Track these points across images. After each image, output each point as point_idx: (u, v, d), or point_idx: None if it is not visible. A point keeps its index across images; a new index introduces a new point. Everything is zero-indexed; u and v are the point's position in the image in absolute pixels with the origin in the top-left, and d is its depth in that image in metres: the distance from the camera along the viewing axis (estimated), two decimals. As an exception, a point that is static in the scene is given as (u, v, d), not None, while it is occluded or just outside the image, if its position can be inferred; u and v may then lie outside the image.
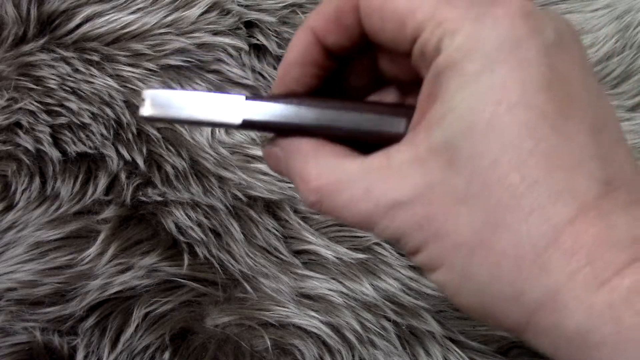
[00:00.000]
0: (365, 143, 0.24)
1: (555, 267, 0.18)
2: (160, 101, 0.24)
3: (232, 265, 0.42)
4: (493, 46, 0.19)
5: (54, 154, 0.42)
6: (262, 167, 0.44)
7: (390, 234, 0.21)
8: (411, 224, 0.20)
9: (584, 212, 0.18)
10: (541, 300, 0.18)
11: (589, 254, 0.18)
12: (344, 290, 0.43)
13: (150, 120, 0.25)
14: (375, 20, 0.22)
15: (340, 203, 0.22)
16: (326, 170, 0.22)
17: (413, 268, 0.43)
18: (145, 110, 0.24)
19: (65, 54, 0.42)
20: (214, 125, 0.25)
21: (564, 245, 0.18)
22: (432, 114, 0.20)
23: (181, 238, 0.42)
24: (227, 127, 0.25)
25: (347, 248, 0.43)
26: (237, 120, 0.24)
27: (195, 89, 0.44)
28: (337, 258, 0.42)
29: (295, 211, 0.44)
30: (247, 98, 0.24)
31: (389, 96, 0.27)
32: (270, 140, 0.26)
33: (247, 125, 0.24)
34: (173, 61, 0.43)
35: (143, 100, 0.24)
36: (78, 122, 0.42)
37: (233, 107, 0.24)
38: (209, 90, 0.44)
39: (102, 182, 0.42)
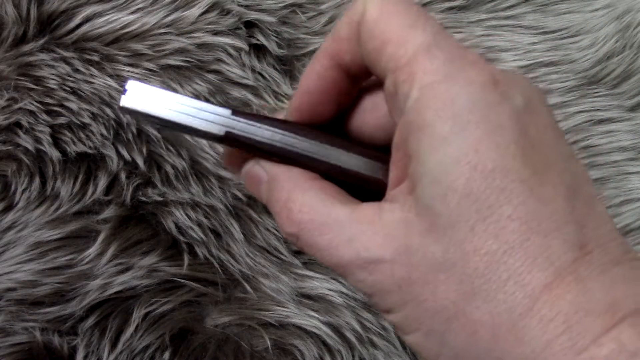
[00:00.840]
0: (341, 181, 0.24)
1: (532, 335, 0.18)
2: (144, 95, 0.23)
3: (232, 265, 0.42)
4: (464, 107, 0.19)
5: (54, 154, 0.42)
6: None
7: (367, 287, 0.21)
8: (390, 282, 0.20)
9: (560, 277, 0.18)
10: None
11: (566, 321, 0.17)
12: (344, 290, 0.43)
13: (128, 112, 0.24)
14: (365, 33, 0.21)
15: (319, 244, 0.21)
16: (312, 207, 0.22)
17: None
18: (126, 101, 0.23)
19: (65, 54, 0.42)
20: (194, 132, 0.24)
21: (541, 312, 0.18)
22: (412, 174, 0.20)
23: (181, 238, 0.42)
24: (208, 138, 0.24)
25: (347, 248, 0.43)
26: (220, 132, 0.23)
27: (195, 89, 0.44)
28: (337, 258, 0.42)
29: (295, 211, 0.44)
30: (233, 112, 0.24)
31: None
32: (253, 160, 0.25)
33: (230, 139, 0.24)
34: (173, 61, 0.43)
35: (125, 90, 0.23)
36: (78, 122, 0.42)
37: (218, 119, 0.23)
38: (210, 89, 0.44)
39: (102, 182, 0.42)
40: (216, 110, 0.24)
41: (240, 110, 0.24)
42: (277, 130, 0.24)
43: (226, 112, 0.24)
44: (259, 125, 0.24)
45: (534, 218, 0.18)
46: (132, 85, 0.23)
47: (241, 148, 0.24)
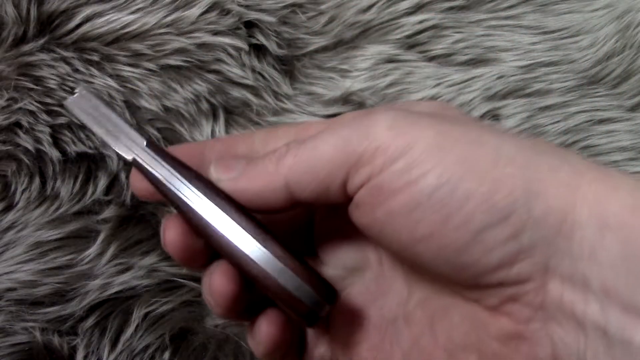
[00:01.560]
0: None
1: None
2: (87, 102, 0.26)
3: (232, 265, 0.42)
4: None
5: (54, 154, 0.42)
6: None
7: None
8: None
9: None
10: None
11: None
12: (344, 290, 0.43)
13: (68, 111, 0.29)
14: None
15: None
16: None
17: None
18: (70, 103, 0.27)
19: (65, 54, 0.42)
20: (113, 149, 0.26)
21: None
22: None
23: (181, 238, 0.42)
24: (121, 159, 0.26)
25: (347, 248, 0.43)
26: (129, 156, 0.26)
27: (195, 89, 0.44)
28: (337, 258, 0.42)
29: (295, 211, 0.44)
30: (147, 144, 0.26)
31: None
32: None
33: (135, 165, 0.26)
34: (173, 61, 0.43)
35: (76, 92, 0.27)
36: (78, 122, 0.42)
37: (132, 145, 0.26)
38: (210, 89, 0.44)
39: (102, 182, 0.42)
40: (133, 137, 0.26)
41: (156, 143, 0.26)
42: (175, 173, 0.25)
43: (141, 141, 0.26)
44: (161, 162, 0.25)
45: None
46: (81, 90, 0.27)
47: (146, 178, 0.26)
